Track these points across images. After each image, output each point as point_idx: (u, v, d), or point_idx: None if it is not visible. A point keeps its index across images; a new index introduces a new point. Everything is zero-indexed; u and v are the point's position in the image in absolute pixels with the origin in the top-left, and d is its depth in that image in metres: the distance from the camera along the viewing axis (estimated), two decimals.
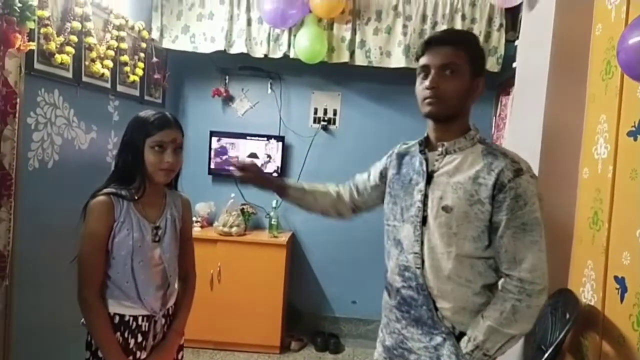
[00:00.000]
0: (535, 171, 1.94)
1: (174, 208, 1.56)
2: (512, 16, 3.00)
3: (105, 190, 1.43)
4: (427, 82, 1.23)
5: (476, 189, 1.19)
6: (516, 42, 2.69)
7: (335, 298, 3.67)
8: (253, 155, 3.57)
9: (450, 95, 1.22)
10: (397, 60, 3.09)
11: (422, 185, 1.28)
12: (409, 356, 1.29)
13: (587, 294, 1.81)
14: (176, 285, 1.59)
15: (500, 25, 3.01)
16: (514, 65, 2.57)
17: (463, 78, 1.23)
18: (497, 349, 1.17)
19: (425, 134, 1.36)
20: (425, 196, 1.26)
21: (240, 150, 3.58)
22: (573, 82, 1.99)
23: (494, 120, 3.38)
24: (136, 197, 1.44)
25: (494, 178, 1.17)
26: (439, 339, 1.23)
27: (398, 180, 1.38)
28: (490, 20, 3.02)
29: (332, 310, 3.67)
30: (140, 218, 1.44)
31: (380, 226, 3.49)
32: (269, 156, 3.58)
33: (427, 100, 1.24)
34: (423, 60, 1.26)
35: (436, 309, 1.23)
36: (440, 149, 1.28)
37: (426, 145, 1.35)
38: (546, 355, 1.67)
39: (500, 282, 1.25)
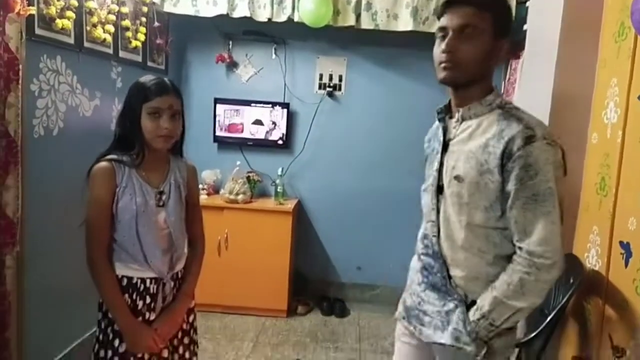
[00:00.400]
0: (546, 118, 1.93)
1: (178, 174, 1.56)
2: None
3: (107, 157, 1.44)
4: (443, 45, 1.16)
5: (486, 157, 1.15)
6: (527, 4, 2.61)
7: (341, 264, 3.72)
8: (258, 122, 3.55)
9: (468, 60, 1.15)
10: (405, 23, 3.02)
11: (439, 154, 1.26)
12: (423, 317, 1.32)
13: (592, 259, 1.81)
14: (185, 250, 1.61)
15: None
16: (525, 27, 2.50)
17: (484, 40, 1.15)
18: (504, 320, 1.15)
19: (448, 100, 1.31)
20: (442, 165, 1.25)
21: (245, 117, 3.56)
22: (585, 45, 1.94)
23: (503, 85, 3.32)
24: (136, 163, 1.45)
25: (503, 146, 1.12)
26: (451, 305, 1.23)
27: (429, 149, 1.37)
28: None
29: (337, 276, 3.73)
30: (142, 183, 1.46)
31: (386, 195, 3.53)
32: (273, 123, 3.55)
33: (443, 65, 1.18)
34: (442, 22, 1.19)
35: (450, 276, 1.24)
36: (457, 116, 1.24)
37: (447, 111, 1.31)
38: (548, 318, 1.70)
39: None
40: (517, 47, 2.92)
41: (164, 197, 1.50)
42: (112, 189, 1.42)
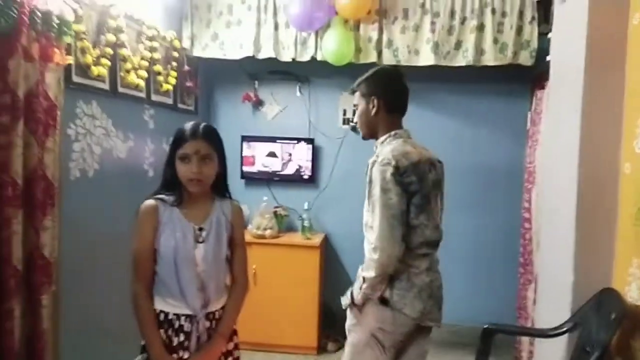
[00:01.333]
0: (575, 168, 1.91)
1: (221, 213, 1.60)
2: (545, 8, 2.91)
3: (153, 197, 1.54)
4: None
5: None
6: (549, 35, 2.61)
7: None
8: (271, 155, 3.60)
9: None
10: (426, 58, 3.05)
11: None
12: None
13: (633, 293, 1.73)
14: (224, 290, 1.63)
15: (532, 18, 2.92)
16: (548, 58, 2.50)
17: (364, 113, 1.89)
18: (361, 285, 1.72)
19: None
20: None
21: (257, 150, 3.64)
22: (611, 75, 1.91)
23: (529, 116, 3.29)
24: (176, 203, 1.52)
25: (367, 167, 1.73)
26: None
27: None
28: (521, 14, 2.94)
29: None
30: (182, 219, 1.52)
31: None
32: (289, 154, 3.60)
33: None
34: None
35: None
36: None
37: None
38: (593, 357, 1.61)
39: None
40: (541, 77, 2.91)
41: (203, 234, 1.53)
42: (154, 224, 1.50)
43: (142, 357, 1.52)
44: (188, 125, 1.52)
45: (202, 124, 1.54)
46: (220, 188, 1.62)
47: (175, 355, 1.47)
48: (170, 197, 1.53)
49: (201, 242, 1.53)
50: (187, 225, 1.52)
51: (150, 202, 1.52)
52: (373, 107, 1.79)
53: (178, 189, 1.53)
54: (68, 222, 2.07)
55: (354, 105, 1.86)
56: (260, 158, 3.64)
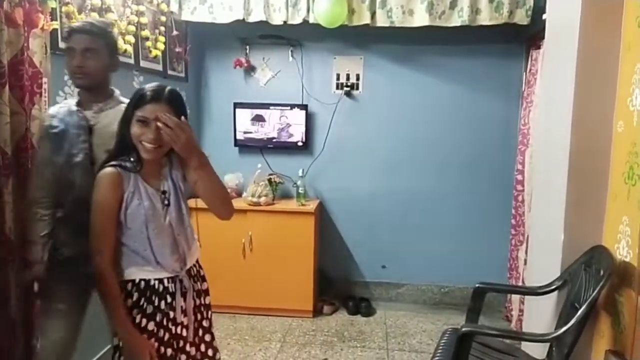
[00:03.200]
0: (568, 126, 1.90)
1: (173, 168, 1.54)
2: None
3: (111, 163, 1.45)
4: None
5: None
6: None
7: (365, 263, 3.71)
8: (262, 121, 3.59)
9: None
10: (421, 19, 2.99)
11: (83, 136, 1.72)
12: None
13: (622, 250, 1.76)
14: (196, 242, 1.61)
15: None
16: (544, 17, 2.45)
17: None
18: None
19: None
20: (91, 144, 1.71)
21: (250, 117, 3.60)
22: (607, 31, 1.88)
23: (524, 76, 3.26)
24: (137, 169, 1.45)
25: None
26: None
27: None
28: None
29: (362, 275, 3.72)
30: (147, 187, 1.46)
31: (407, 193, 3.47)
32: (283, 121, 3.58)
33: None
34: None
35: None
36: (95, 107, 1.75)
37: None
38: (579, 312, 1.66)
39: None
40: (537, 37, 2.87)
41: (167, 196, 1.49)
42: (118, 195, 1.42)
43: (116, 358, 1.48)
44: (151, 87, 1.42)
45: (168, 88, 1.43)
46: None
47: (164, 318, 1.47)
48: (129, 163, 1.44)
49: (167, 205, 1.48)
50: (153, 192, 1.46)
51: (110, 170, 1.42)
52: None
53: (135, 151, 1.44)
54: None
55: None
56: (252, 125, 3.61)
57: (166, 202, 1.49)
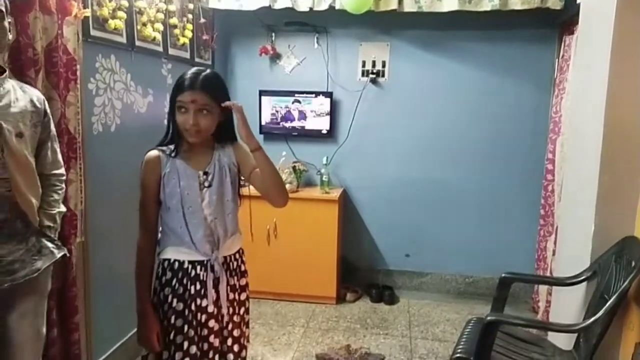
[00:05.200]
0: (602, 115, 1.84)
1: (223, 156, 1.58)
2: None
3: (155, 147, 1.55)
4: None
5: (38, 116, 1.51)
6: None
7: (389, 252, 3.71)
8: (289, 110, 3.59)
9: None
10: (450, 3, 2.92)
11: None
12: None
13: None
14: (236, 232, 1.62)
15: None
16: (578, 1, 2.37)
17: None
18: None
19: None
20: None
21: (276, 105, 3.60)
22: None
23: (556, 62, 3.17)
24: (173, 155, 1.51)
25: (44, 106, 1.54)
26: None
27: None
28: None
29: (385, 264, 3.72)
30: (186, 166, 1.51)
31: (432, 181, 3.44)
32: (308, 109, 3.58)
33: None
34: None
35: None
36: None
37: None
38: (609, 302, 1.62)
39: None
40: (570, 22, 2.78)
41: (209, 178, 1.53)
42: (157, 175, 1.51)
43: None
44: (188, 74, 1.46)
45: (204, 73, 1.47)
46: (223, 136, 1.59)
47: (193, 304, 1.49)
48: (169, 148, 1.53)
49: (207, 187, 1.52)
50: (192, 173, 1.52)
51: (152, 152, 1.53)
52: None
53: (176, 138, 1.52)
54: (92, 175, 2.13)
55: None
56: (279, 112, 3.62)
57: (206, 183, 1.53)
